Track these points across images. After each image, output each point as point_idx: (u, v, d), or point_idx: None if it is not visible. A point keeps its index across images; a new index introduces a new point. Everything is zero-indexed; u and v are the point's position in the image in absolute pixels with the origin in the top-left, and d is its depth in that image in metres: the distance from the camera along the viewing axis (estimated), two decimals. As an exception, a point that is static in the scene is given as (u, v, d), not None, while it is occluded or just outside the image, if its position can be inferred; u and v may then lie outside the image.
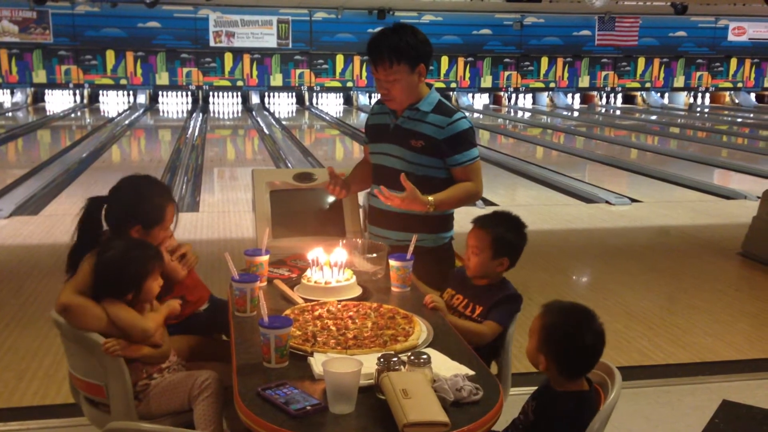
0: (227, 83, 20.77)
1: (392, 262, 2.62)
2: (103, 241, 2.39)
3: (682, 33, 23.14)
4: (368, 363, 1.85)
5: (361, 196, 3.40)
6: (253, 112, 18.90)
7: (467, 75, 22.14)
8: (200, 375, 2.31)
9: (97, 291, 2.28)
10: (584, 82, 23.06)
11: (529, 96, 22.88)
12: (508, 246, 2.54)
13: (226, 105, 20.63)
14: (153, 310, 2.40)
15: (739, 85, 24.12)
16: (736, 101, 24.04)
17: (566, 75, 22.84)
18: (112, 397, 2.29)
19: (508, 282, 2.61)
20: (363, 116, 18.75)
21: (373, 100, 19.72)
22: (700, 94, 23.97)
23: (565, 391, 1.98)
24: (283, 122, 17.09)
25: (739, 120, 19.36)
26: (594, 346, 1.96)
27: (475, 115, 20.19)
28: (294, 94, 21.27)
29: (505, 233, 2.54)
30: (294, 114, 19.88)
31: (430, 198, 2.85)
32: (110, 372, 2.27)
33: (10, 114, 18.07)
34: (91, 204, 2.51)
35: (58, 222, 6.81)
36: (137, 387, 2.33)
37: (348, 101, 21.55)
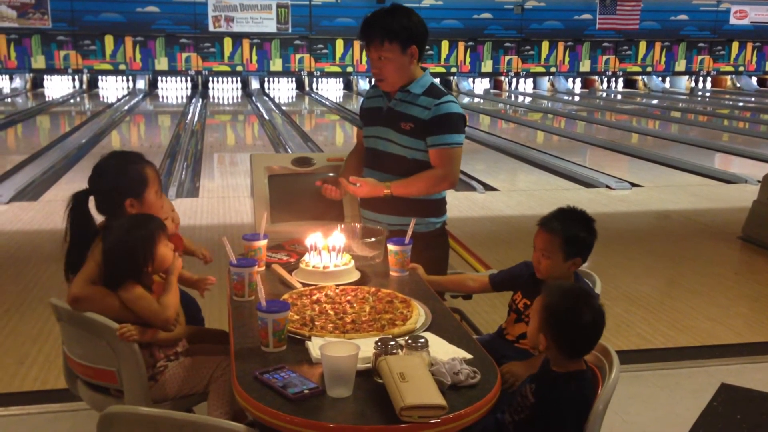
0: (227, 68, 20.67)
1: (390, 247, 2.62)
2: (103, 229, 2.38)
3: (683, 16, 23.00)
4: (366, 347, 1.85)
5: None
6: (253, 98, 18.83)
7: (467, 59, 22.02)
8: (225, 358, 2.34)
9: (112, 278, 2.29)
10: (585, 66, 22.94)
11: (530, 80, 22.76)
12: (580, 245, 2.42)
13: (225, 90, 20.55)
14: (169, 277, 2.41)
15: (741, 68, 23.99)
16: (738, 85, 23.93)
17: (567, 59, 22.72)
18: (125, 381, 2.30)
19: (580, 277, 2.51)
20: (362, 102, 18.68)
21: (373, 85, 19.73)
22: (701, 78, 23.85)
23: (566, 372, 1.98)
24: (283, 107, 17.03)
25: (741, 104, 19.29)
26: (593, 325, 1.96)
27: (476, 99, 20.12)
28: (294, 79, 21.18)
29: (576, 233, 2.42)
30: (294, 99, 19.82)
31: (388, 184, 2.89)
32: (123, 357, 2.27)
33: (9, 100, 18.02)
34: (77, 198, 2.48)
35: (58, 208, 6.75)
36: (155, 369, 2.35)
37: (348, 86, 21.47)
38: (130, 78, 20.32)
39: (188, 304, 2.80)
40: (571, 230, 2.41)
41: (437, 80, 3.03)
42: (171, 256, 2.39)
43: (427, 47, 3.00)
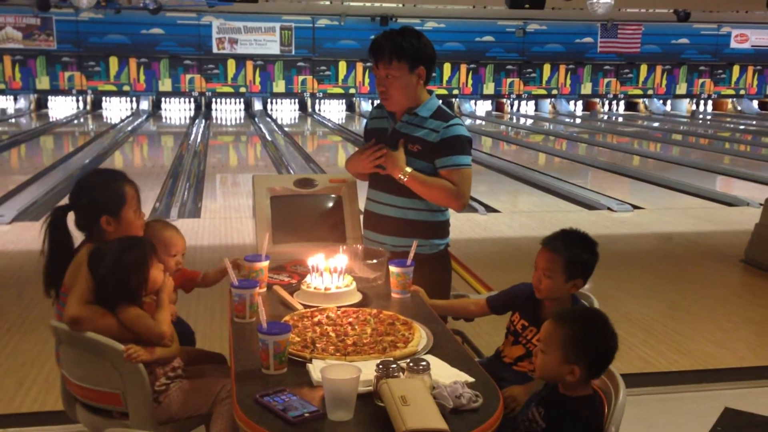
0: (230, 90, 20.80)
1: (392, 268, 2.61)
2: (91, 252, 2.38)
3: (684, 40, 23.13)
4: (367, 369, 1.84)
5: (362, 203, 3.40)
6: (256, 119, 18.92)
7: (470, 82, 22.14)
8: (229, 381, 2.32)
9: (108, 301, 2.30)
10: (586, 89, 23.04)
11: (532, 103, 22.87)
12: (582, 267, 2.42)
13: (228, 111, 20.65)
14: (160, 294, 2.43)
15: (742, 92, 24.08)
16: (739, 108, 23.99)
17: (569, 82, 22.83)
18: (131, 403, 2.28)
19: (578, 300, 2.52)
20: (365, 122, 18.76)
21: (376, 107, 19.93)
22: (702, 101, 23.92)
23: (578, 397, 1.97)
24: (286, 128, 17.10)
25: (742, 127, 19.33)
26: (616, 344, 2.00)
27: (478, 121, 20.20)
28: (296, 100, 21.29)
29: (578, 255, 2.41)
30: (296, 120, 19.90)
31: (408, 169, 2.88)
32: (129, 378, 2.26)
33: (13, 120, 18.11)
34: (56, 212, 2.50)
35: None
36: (156, 387, 2.34)
37: (350, 108, 21.57)
38: (134, 99, 20.44)
39: (180, 325, 2.79)
40: (573, 252, 2.41)
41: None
42: (162, 278, 2.43)
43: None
